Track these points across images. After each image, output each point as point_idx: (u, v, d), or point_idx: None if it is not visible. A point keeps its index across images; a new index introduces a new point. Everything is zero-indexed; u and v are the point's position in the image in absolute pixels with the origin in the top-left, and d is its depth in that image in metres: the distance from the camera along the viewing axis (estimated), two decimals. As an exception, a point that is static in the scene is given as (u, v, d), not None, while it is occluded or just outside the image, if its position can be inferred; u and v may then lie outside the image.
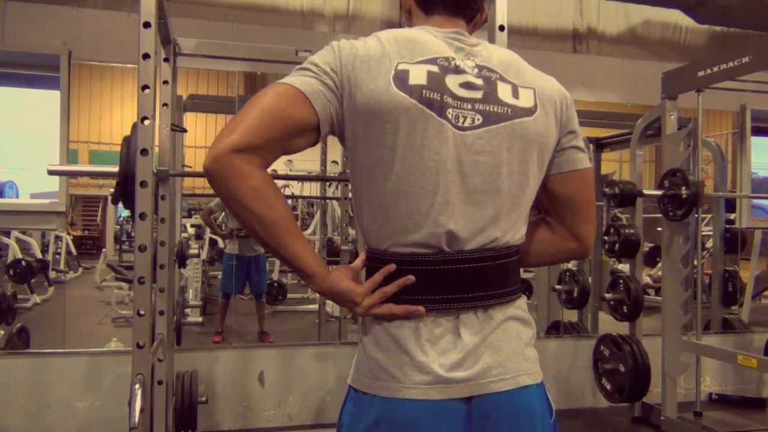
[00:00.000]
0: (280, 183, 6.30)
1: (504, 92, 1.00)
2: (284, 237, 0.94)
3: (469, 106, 0.97)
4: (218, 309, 5.09)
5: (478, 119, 0.96)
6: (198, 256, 5.18)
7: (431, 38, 1.01)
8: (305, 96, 0.93)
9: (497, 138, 0.97)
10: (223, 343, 4.77)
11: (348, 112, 0.95)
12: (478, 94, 0.98)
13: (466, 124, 0.96)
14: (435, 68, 0.96)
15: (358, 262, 1.05)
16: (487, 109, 0.97)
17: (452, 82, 0.97)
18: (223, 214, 5.24)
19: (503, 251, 1.00)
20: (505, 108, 0.98)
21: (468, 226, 0.96)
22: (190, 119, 5.58)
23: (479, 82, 0.99)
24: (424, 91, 0.94)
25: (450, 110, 0.95)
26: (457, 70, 0.98)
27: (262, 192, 0.91)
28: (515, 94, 1.00)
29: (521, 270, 1.10)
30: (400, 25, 1.12)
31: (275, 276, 6.04)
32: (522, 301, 1.06)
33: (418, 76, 0.95)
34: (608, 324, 3.97)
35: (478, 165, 0.96)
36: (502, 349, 0.98)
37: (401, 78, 0.94)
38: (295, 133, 0.94)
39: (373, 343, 0.99)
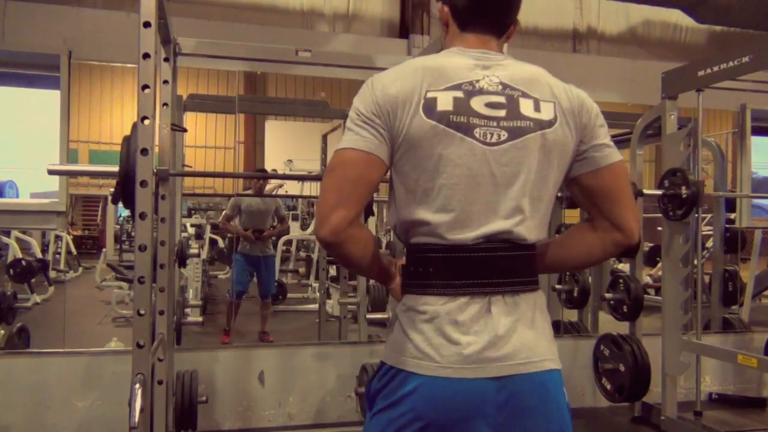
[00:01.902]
0: (278, 182, 6.30)
1: (526, 107, 1.12)
2: (371, 269, 1.20)
3: (495, 124, 1.09)
4: (219, 308, 5.08)
5: (504, 135, 1.09)
6: (198, 255, 5.17)
7: (457, 62, 1.14)
8: (373, 155, 1.09)
9: (522, 150, 1.10)
10: (227, 343, 4.76)
11: (392, 143, 1.11)
12: (502, 112, 1.10)
13: (494, 140, 1.09)
14: (460, 93, 1.09)
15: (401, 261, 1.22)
16: (512, 125, 1.10)
17: (478, 103, 1.10)
18: (238, 218, 5.19)
19: (528, 246, 1.14)
20: (528, 122, 1.11)
21: (502, 227, 1.10)
22: (190, 119, 5.58)
23: (502, 100, 1.11)
24: (451, 116, 1.08)
25: (478, 129, 1.08)
26: (482, 92, 1.11)
27: (367, 246, 1.15)
28: (537, 108, 1.12)
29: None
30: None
31: (275, 276, 6.05)
32: (543, 295, 1.19)
33: (445, 102, 1.08)
34: (608, 324, 3.97)
35: (506, 175, 1.09)
36: (529, 333, 1.11)
37: (430, 106, 1.08)
38: (376, 186, 1.13)
39: (410, 325, 1.11)
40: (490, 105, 1.10)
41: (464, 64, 1.13)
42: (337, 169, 1.09)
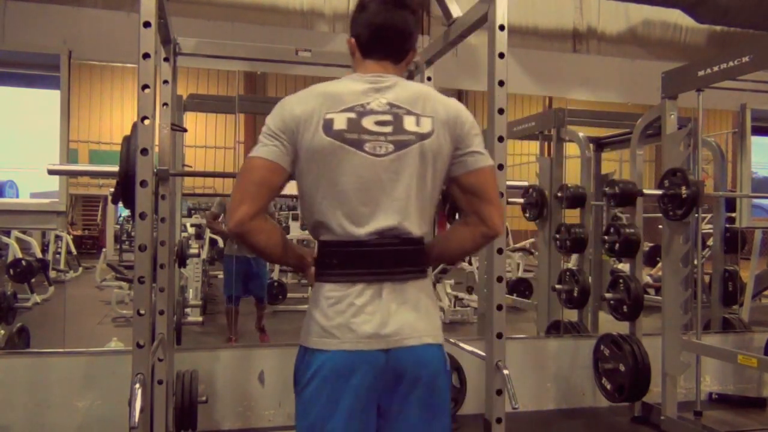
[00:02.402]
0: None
1: (409, 123, 1.36)
2: (283, 257, 1.45)
3: (383, 138, 1.34)
4: (219, 308, 5.06)
5: (390, 147, 1.34)
6: (198, 255, 5.16)
7: (353, 88, 1.38)
8: (276, 163, 1.34)
9: (405, 159, 1.35)
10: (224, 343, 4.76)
11: (296, 154, 1.36)
12: (389, 128, 1.35)
13: (382, 152, 1.34)
14: (353, 114, 1.34)
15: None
16: (397, 138, 1.35)
17: (368, 122, 1.34)
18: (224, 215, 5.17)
19: (414, 239, 1.39)
20: (410, 135, 1.35)
21: (389, 223, 1.35)
22: (190, 119, 5.57)
23: (389, 118, 1.35)
24: (345, 134, 1.32)
25: (368, 144, 1.33)
26: (372, 112, 1.35)
27: (271, 236, 1.38)
28: (418, 123, 1.37)
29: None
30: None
31: (275, 276, 6.04)
32: (429, 282, 1.46)
33: (340, 122, 1.33)
34: (608, 323, 3.97)
35: (392, 180, 1.34)
36: (412, 315, 1.37)
37: (328, 126, 1.33)
38: (278, 188, 1.37)
39: (317, 310, 1.37)
40: (378, 123, 1.34)
41: (359, 88, 1.38)
42: (245, 173, 1.35)
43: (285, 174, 1.36)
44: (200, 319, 4.97)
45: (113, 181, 2.19)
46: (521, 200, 4.68)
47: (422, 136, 1.36)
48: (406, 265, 1.38)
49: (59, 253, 6.49)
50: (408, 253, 1.38)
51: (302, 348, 1.40)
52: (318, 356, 1.35)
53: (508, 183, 2.08)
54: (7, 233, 5.04)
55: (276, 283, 5.90)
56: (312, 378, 1.37)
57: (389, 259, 1.35)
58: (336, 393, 1.34)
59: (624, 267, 5.03)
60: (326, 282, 1.37)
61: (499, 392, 2.00)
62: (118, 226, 7.91)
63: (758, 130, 4.30)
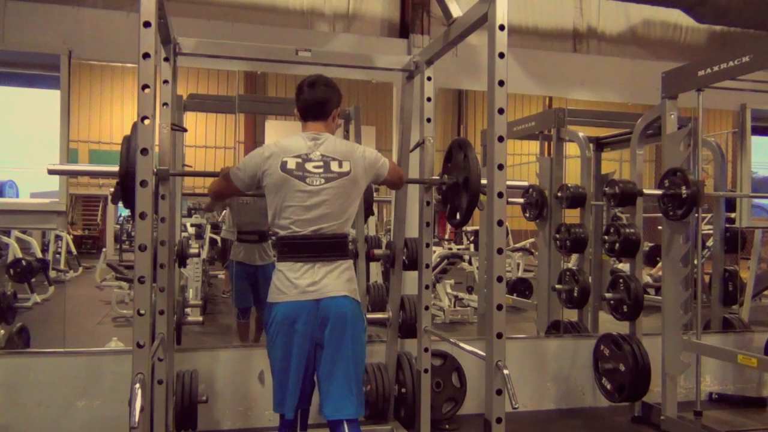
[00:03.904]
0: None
1: (334, 166, 2.20)
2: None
3: (317, 175, 2.17)
4: (219, 308, 5.01)
5: (322, 181, 2.17)
6: (198, 255, 5.13)
7: (301, 143, 2.22)
8: (235, 185, 2.27)
9: (332, 189, 2.17)
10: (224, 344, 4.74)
11: (264, 185, 2.20)
12: (321, 170, 2.18)
13: (317, 184, 2.16)
14: (299, 160, 2.18)
15: None
16: (327, 176, 2.18)
17: (309, 165, 2.18)
18: (227, 210, 5.07)
19: (338, 236, 2.20)
20: (335, 174, 2.19)
21: (321, 226, 2.16)
22: (190, 118, 5.56)
23: (321, 163, 2.19)
24: (294, 171, 2.16)
25: (308, 178, 2.16)
26: (311, 159, 2.19)
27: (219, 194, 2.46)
28: (340, 166, 2.20)
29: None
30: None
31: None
32: (351, 263, 2.24)
33: (291, 164, 2.17)
34: (608, 323, 3.97)
35: (323, 202, 2.16)
36: (334, 278, 2.16)
37: (284, 165, 2.16)
38: (233, 192, 2.40)
39: (276, 278, 2.18)
40: (315, 166, 2.18)
41: (304, 144, 2.21)
42: (227, 175, 2.29)
43: (237, 191, 2.31)
44: (200, 319, 4.91)
45: (113, 181, 2.20)
46: (521, 200, 4.68)
47: (342, 174, 2.18)
48: (333, 252, 2.17)
49: (59, 253, 6.47)
50: (334, 245, 2.18)
51: (268, 303, 2.19)
52: (275, 307, 2.15)
53: (508, 183, 2.08)
54: (7, 233, 5.03)
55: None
56: (272, 322, 2.15)
57: (321, 248, 2.15)
58: (286, 331, 2.12)
59: (624, 267, 5.02)
60: (282, 261, 2.18)
61: (499, 392, 2.01)
62: (118, 226, 7.89)
63: (758, 130, 4.30)
